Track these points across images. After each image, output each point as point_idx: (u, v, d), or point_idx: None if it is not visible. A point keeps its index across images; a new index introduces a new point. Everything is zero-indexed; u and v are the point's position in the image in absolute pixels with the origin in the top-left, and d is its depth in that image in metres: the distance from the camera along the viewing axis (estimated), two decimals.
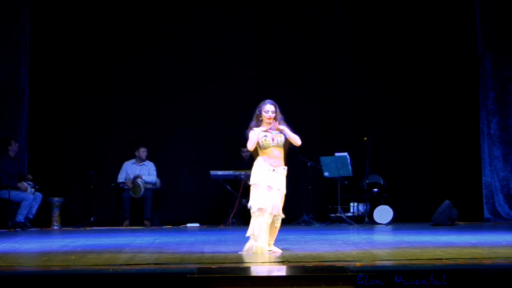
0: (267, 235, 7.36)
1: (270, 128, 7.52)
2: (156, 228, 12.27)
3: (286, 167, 7.56)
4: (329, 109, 13.41)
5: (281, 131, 7.51)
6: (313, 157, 12.58)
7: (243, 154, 13.02)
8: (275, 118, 7.56)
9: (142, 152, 12.91)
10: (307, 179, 12.61)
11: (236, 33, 13.37)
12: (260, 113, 7.57)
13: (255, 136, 7.50)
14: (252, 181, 7.49)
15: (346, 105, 13.40)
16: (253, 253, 7.26)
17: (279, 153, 7.51)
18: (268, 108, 7.56)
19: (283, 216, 7.50)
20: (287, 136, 7.53)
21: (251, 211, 7.44)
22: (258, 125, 7.57)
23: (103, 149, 13.22)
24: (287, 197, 13.47)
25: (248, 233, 7.44)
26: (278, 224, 7.48)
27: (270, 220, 7.37)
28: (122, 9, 13.24)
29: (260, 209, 7.36)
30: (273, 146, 7.48)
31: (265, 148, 7.47)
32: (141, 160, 12.94)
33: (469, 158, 13.14)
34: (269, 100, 7.66)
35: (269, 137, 7.48)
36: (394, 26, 13.31)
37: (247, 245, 7.41)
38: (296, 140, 7.58)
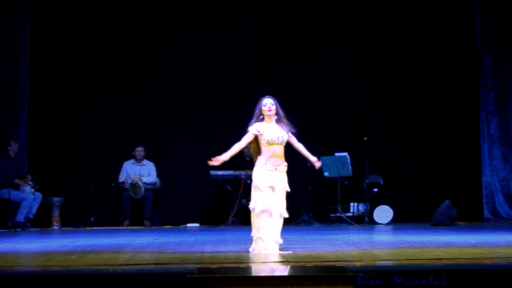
0: (273, 236, 7.34)
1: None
2: (156, 228, 12.26)
3: (286, 163, 7.54)
4: (329, 109, 13.41)
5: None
6: None
7: (245, 151, 13.01)
8: (276, 114, 7.51)
9: (138, 151, 12.89)
10: (307, 179, 12.60)
11: (236, 33, 13.37)
12: (260, 110, 7.52)
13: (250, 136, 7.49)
14: (254, 182, 7.41)
15: (346, 105, 13.40)
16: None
17: (282, 152, 7.47)
18: (266, 101, 7.53)
19: (286, 215, 7.48)
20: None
21: (254, 212, 7.40)
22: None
23: (103, 149, 13.22)
24: (288, 197, 13.46)
25: (253, 234, 7.41)
26: (281, 221, 7.46)
27: (275, 221, 7.36)
28: (122, 9, 13.25)
29: (264, 211, 7.33)
30: (277, 144, 7.43)
31: (270, 145, 7.40)
32: (138, 159, 12.93)
33: (469, 158, 13.14)
34: (266, 96, 7.66)
35: (275, 135, 7.41)
36: (394, 26, 13.31)
37: (253, 247, 7.40)
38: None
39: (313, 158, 7.80)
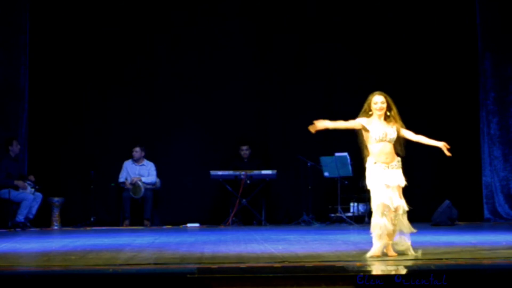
0: (388, 234, 6.90)
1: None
2: (156, 228, 12.26)
3: (399, 159, 7.11)
4: (329, 109, 13.40)
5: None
6: (313, 157, 12.59)
7: (242, 153, 13.03)
8: (388, 110, 7.17)
9: (134, 152, 12.88)
10: (307, 179, 12.61)
11: (236, 33, 13.37)
12: (369, 107, 7.20)
13: (357, 124, 7.17)
14: (368, 184, 7.04)
15: (346, 105, 13.38)
16: (373, 256, 6.81)
17: (390, 149, 7.05)
18: (377, 99, 7.20)
19: (406, 208, 7.02)
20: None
21: (374, 211, 7.00)
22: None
23: (103, 149, 13.21)
24: (288, 197, 13.44)
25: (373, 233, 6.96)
26: (400, 218, 7.00)
27: (391, 216, 6.92)
28: (123, 9, 13.24)
29: (378, 206, 6.94)
30: (385, 141, 7.04)
31: (377, 142, 7.03)
32: (135, 160, 12.92)
33: (469, 158, 13.13)
34: (377, 92, 7.31)
35: (382, 132, 7.05)
36: (394, 26, 13.31)
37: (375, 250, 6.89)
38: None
39: (440, 144, 7.57)
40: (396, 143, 7.13)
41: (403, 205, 7.00)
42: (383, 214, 6.91)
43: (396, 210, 6.95)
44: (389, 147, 7.07)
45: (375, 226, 6.94)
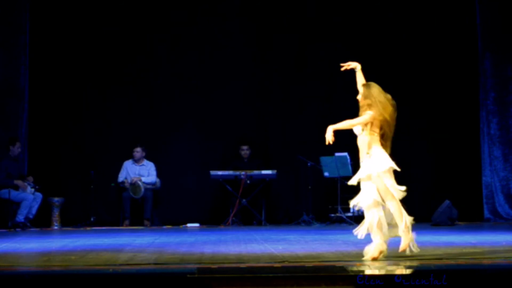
0: (382, 230, 6.72)
1: None
2: (156, 228, 12.26)
3: (368, 154, 7.07)
4: (329, 109, 13.41)
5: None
6: (313, 157, 12.58)
7: (242, 153, 13.03)
8: (368, 105, 7.04)
9: (135, 152, 12.88)
10: (307, 179, 12.61)
11: (236, 33, 13.37)
12: None
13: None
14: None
15: (346, 105, 13.37)
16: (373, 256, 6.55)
17: (362, 142, 7.12)
18: (359, 90, 7.07)
19: (367, 203, 6.88)
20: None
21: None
22: None
23: (103, 149, 13.21)
24: (288, 197, 13.42)
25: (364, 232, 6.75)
26: (390, 207, 6.90)
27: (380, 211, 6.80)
28: (122, 9, 13.24)
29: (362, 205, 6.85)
30: (357, 135, 7.14)
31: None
32: (136, 160, 12.92)
33: (469, 158, 13.14)
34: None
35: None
36: (394, 26, 13.31)
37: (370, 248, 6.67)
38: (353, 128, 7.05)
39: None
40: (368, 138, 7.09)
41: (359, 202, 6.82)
42: (373, 207, 6.79)
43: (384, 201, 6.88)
44: (361, 141, 7.10)
45: (367, 221, 6.77)
